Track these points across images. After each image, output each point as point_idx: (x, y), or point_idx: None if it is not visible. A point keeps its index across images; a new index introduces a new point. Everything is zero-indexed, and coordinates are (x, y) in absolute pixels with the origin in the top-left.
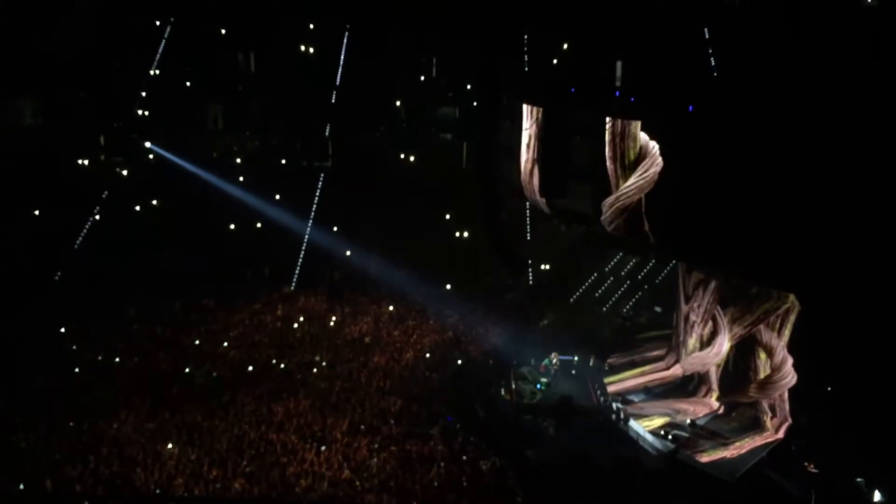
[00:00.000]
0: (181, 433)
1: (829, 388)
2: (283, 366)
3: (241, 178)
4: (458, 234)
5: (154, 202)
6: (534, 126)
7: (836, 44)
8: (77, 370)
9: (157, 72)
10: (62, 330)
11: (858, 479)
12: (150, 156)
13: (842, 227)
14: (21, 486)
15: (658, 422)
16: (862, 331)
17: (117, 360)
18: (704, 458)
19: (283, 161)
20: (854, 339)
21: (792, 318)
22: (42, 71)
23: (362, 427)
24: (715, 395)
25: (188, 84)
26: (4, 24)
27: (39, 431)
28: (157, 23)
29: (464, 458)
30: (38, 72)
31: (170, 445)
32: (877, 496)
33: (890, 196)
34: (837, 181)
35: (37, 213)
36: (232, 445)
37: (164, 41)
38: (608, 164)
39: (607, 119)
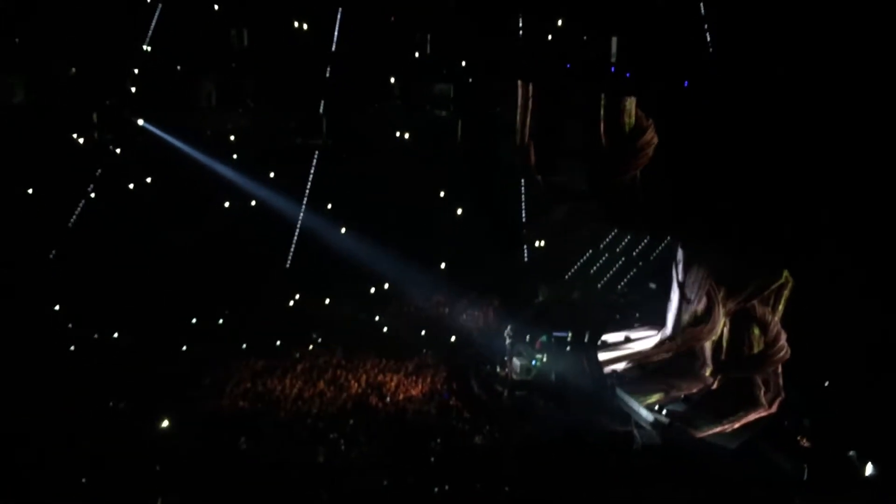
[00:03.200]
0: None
1: (821, 364)
2: (277, 343)
3: (235, 156)
4: (452, 211)
5: (148, 180)
6: (529, 102)
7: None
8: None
9: (149, 48)
10: (56, 308)
11: (851, 453)
12: (143, 134)
13: (836, 202)
14: None
15: (653, 397)
16: (854, 306)
17: (115, 335)
18: (698, 433)
19: (277, 138)
20: (847, 315)
21: (786, 293)
22: (32, 47)
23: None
24: (709, 370)
25: (180, 60)
26: None
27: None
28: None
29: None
30: (28, 48)
31: (165, 423)
32: (868, 469)
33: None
34: (832, 158)
35: (30, 191)
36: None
37: (155, 17)
38: (603, 140)
39: (602, 96)
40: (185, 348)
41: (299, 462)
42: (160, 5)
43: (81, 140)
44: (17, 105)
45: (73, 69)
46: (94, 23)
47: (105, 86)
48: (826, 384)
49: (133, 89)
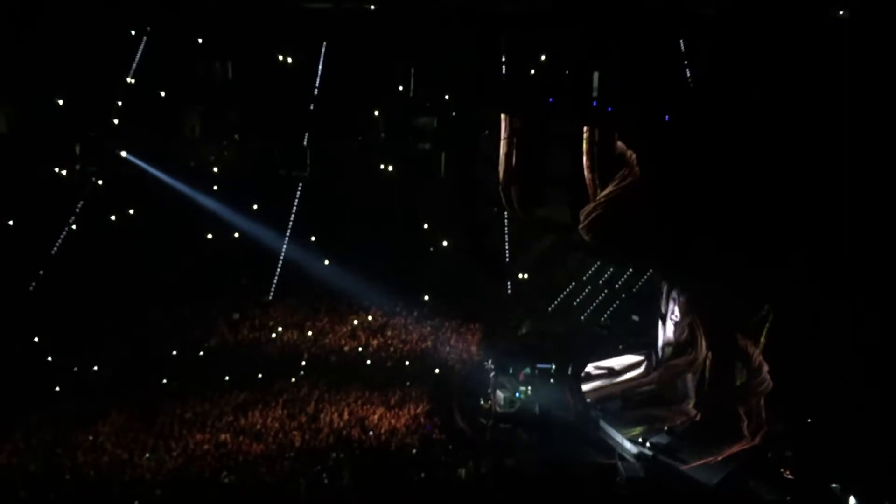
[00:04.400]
0: (157, 444)
1: (804, 396)
2: (260, 375)
3: (217, 188)
4: (435, 243)
5: (130, 211)
6: (512, 136)
7: (809, 56)
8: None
9: (133, 80)
10: (35, 340)
11: (833, 485)
12: (126, 165)
13: (817, 236)
14: None
15: (636, 430)
16: (836, 337)
17: (94, 368)
18: (682, 466)
19: (261, 170)
20: (828, 345)
21: (767, 325)
22: (15, 79)
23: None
24: (692, 402)
25: (164, 93)
26: None
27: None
28: (133, 32)
29: (441, 466)
30: (11, 80)
31: (147, 455)
32: (851, 501)
33: (869, 203)
34: (813, 189)
35: (10, 223)
36: (211, 454)
37: (140, 49)
38: (585, 173)
39: (584, 129)
40: (164, 381)
41: (281, 496)
42: (145, 38)
43: (64, 171)
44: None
45: (57, 100)
46: (77, 54)
47: (88, 117)
48: (809, 416)
49: (116, 121)
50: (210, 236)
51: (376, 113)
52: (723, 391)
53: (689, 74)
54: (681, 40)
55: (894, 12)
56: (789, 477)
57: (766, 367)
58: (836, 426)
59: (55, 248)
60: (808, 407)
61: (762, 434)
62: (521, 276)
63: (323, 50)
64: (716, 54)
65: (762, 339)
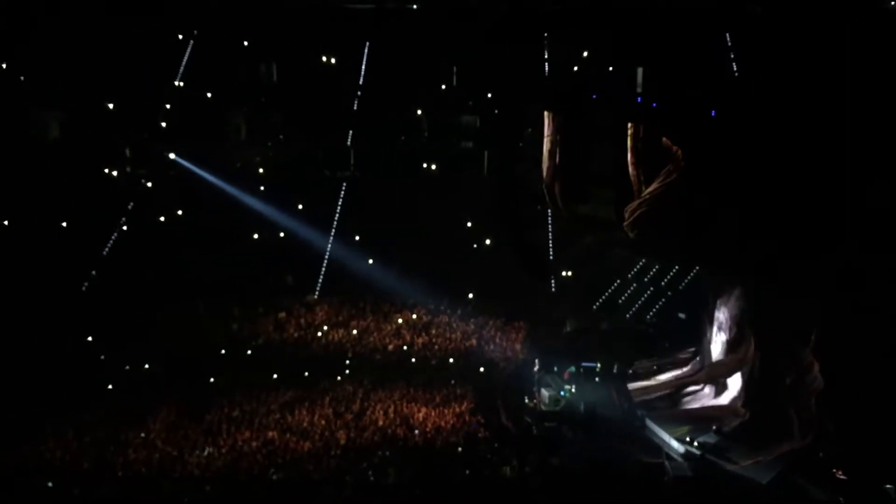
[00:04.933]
0: (206, 441)
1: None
2: (306, 374)
3: (264, 188)
4: (480, 242)
5: (179, 212)
6: (555, 133)
7: (860, 50)
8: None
9: (181, 84)
10: (88, 339)
11: (887, 486)
12: (174, 167)
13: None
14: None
15: (683, 429)
16: (888, 334)
17: (145, 367)
18: (731, 466)
19: (306, 171)
20: (880, 344)
21: (819, 323)
22: (67, 84)
23: (388, 433)
24: (741, 401)
25: (210, 95)
26: (30, 39)
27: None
28: (181, 36)
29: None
30: (63, 85)
31: (196, 452)
32: None
33: None
34: (860, 185)
35: (64, 224)
36: (258, 452)
37: (187, 53)
38: (630, 169)
39: (629, 125)
40: (212, 380)
41: (328, 493)
42: (191, 42)
43: (115, 173)
44: (52, 141)
45: (107, 105)
46: (126, 58)
47: (137, 121)
48: (861, 415)
49: (164, 124)
50: (256, 236)
51: (419, 112)
52: (772, 390)
53: (735, 70)
54: (727, 35)
55: None
56: (842, 477)
57: (816, 366)
58: (889, 425)
59: (107, 249)
60: (860, 406)
61: (813, 434)
62: (565, 273)
63: (366, 50)
64: (762, 50)
65: (812, 337)
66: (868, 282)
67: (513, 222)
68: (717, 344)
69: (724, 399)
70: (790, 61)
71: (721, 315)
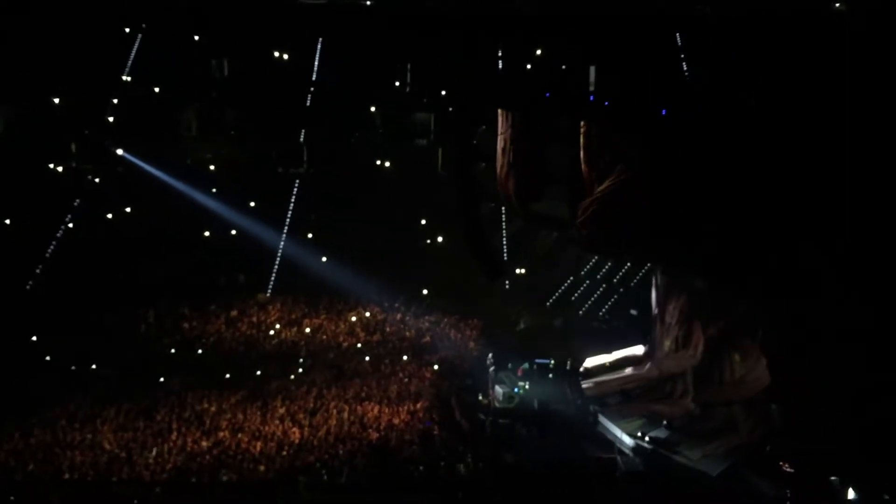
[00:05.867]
0: (156, 443)
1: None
2: (258, 373)
3: (215, 185)
4: (433, 239)
5: (127, 210)
6: (509, 131)
7: (806, 51)
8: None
9: (129, 78)
10: (33, 339)
11: (833, 478)
12: (123, 163)
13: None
14: None
15: (635, 423)
16: (834, 329)
17: (93, 367)
18: (681, 459)
19: (258, 168)
20: (826, 338)
21: (765, 318)
22: (10, 78)
23: (342, 431)
24: (690, 396)
25: (160, 90)
26: None
27: (12, 441)
28: (127, 29)
29: (441, 462)
30: (5, 79)
31: (145, 454)
32: (850, 494)
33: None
34: (810, 185)
35: (7, 221)
36: (210, 453)
37: (136, 47)
38: (583, 168)
39: (581, 124)
40: (162, 380)
41: (281, 493)
42: (140, 35)
43: (60, 169)
44: None
45: (53, 99)
46: (73, 52)
47: (84, 115)
48: (807, 409)
49: (112, 119)
50: (207, 234)
51: (373, 109)
52: (719, 385)
53: (685, 70)
54: (677, 36)
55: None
56: (789, 470)
57: (763, 362)
58: (835, 419)
59: (52, 247)
60: (806, 400)
61: (760, 428)
62: (519, 271)
63: (318, 46)
64: (712, 51)
65: (759, 334)
66: (814, 278)
67: (468, 220)
68: (668, 340)
69: (675, 395)
70: (738, 61)
71: (670, 311)
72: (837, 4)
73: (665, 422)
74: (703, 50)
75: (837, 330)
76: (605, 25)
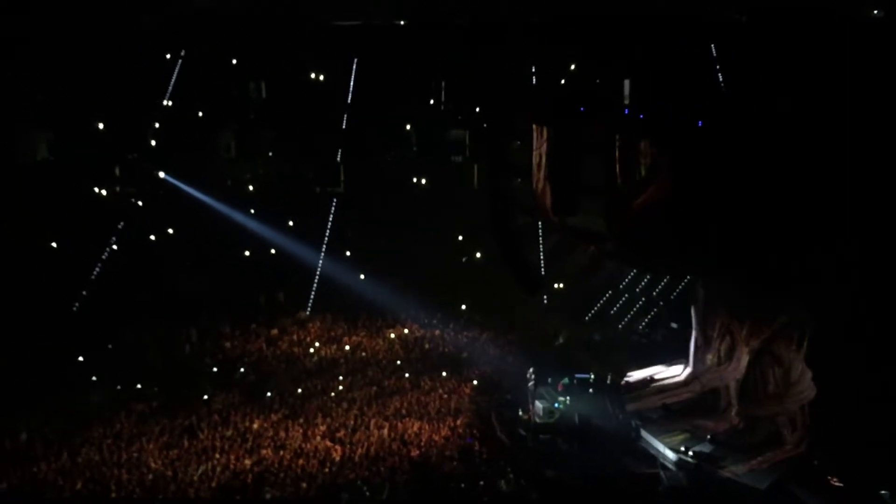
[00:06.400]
0: (201, 460)
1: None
2: (299, 390)
3: (254, 206)
4: (470, 255)
5: (170, 231)
6: (544, 145)
7: (842, 59)
8: (95, 398)
9: (170, 102)
10: (80, 359)
11: (883, 492)
12: (164, 185)
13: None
14: None
15: (678, 438)
16: (882, 342)
17: (138, 386)
18: (725, 474)
19: (296, 187)
20: (873, 351)
21: (810, 330)
22: (55, 104)
23: (382, 448)
24: (734, 409)
25: (200, 114)
26: (16, 59)
27: (61, 460)
28: (168, 55)
29: (482, 478)
30: (50, 105)
31: (198, 471)
32: None
33: None
34: (848, 194)
35: (54, 245)
36: (253, 470)
37: (175, 72)
38: (619, 181)
39: (617, 137)
40: (206, 398)
41: None
42: (180, 61)
43: (104, 192)
44: (40, 161)
45: (96, 125)
46: (115, 79)
47: (126, 140)
48: (855, 423)
49: (153, 142)
50: (247, 253)
51: (408, 127)
52: (764, 398)
53: (721, 81)
54: (712, 46)
55: None
56: (837, 484)
57: (808, 374)
58: (885, 432)
59: (97, 269)
60: (854, 414)
61: (807, 441)
62: (557, 285)
63: (353, 66)
64: (747, 60)
65: (804, 345)
66: (861, 287)
67: (505, 235)
68: (709, 353)
69: (718, 407)
70: (775, 70)
71: (711, 324)
72: (875, 12)
73: (709, 436)
74: (739, 57)
75: (887, 342)
76: (640, 36)
